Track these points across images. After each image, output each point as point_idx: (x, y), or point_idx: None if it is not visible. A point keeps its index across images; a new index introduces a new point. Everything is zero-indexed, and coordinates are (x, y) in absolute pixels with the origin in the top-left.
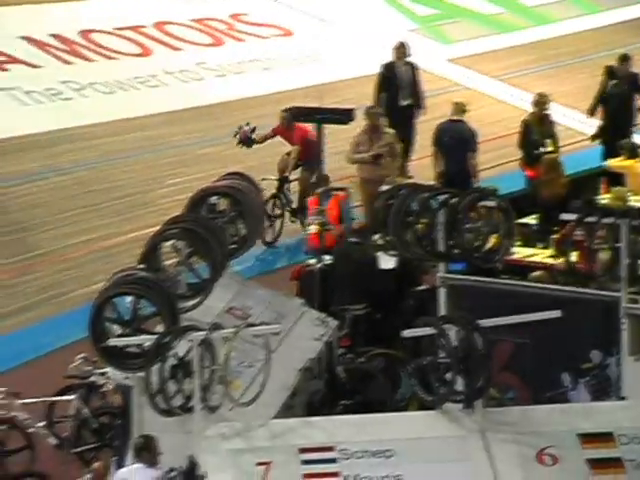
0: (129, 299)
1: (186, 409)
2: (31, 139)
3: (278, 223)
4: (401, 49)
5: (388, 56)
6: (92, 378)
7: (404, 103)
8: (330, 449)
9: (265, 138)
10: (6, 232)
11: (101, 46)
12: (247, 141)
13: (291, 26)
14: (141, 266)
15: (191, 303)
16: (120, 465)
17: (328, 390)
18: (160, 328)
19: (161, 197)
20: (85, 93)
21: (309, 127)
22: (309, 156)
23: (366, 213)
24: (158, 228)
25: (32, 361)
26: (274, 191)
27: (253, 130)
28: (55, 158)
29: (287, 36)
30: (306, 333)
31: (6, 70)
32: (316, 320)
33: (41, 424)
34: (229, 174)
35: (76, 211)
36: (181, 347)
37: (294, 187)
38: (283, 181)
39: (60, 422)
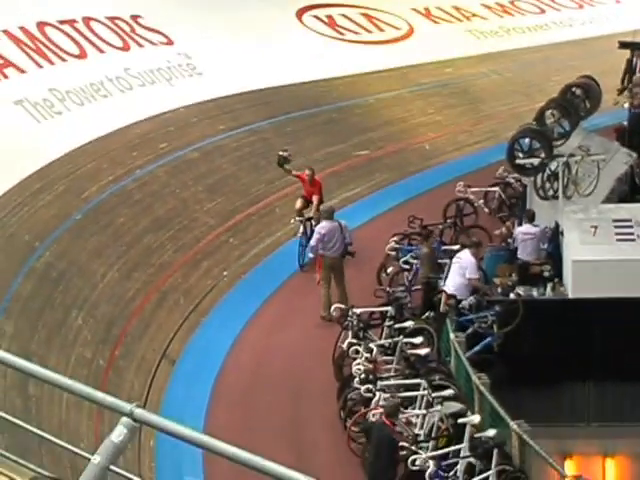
0: (527, 140)
1: (555, 197)
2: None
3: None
4: None
5: None
6: (507, 179)
7: None
8: (629, 220)
9: (290, 172)
10: (467, 103)
11: None
12: (282, 162)
13: None
14: (533, 122)
15: (559, 143)
16: (519, 225)
17: (629, 190)
18: (542, 155)
19: (549, 87)
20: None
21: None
22: (321, 200)
23: None
24: (542, 104)
25: (479, 170)
26: (301, 229)
27: (286, 158)
28: (500, 64)
29: None
30: (619, 159)
31: None
32: (625, 153)
33: (481, 201)
34: (582, 76)
35: (511, 96)
36: (553, 165)
37: None
38: (307, 220)
39: (490, 199)
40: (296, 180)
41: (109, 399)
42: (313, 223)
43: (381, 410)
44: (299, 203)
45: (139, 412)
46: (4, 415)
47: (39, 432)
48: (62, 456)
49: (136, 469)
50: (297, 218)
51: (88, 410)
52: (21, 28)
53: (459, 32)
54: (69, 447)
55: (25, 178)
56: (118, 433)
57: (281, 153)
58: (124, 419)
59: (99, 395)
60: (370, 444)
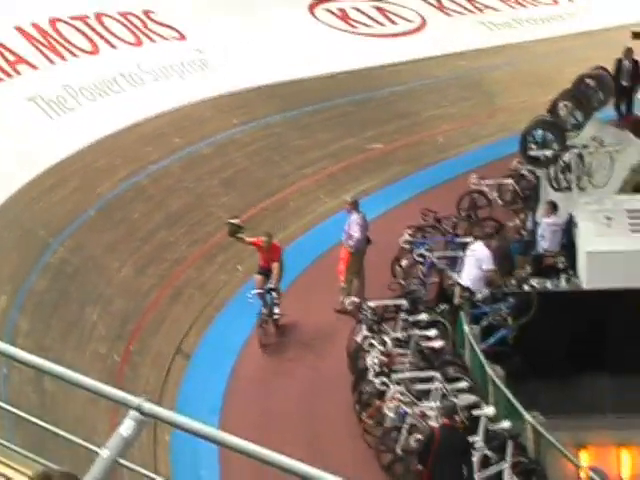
0: (540, 131)
1: (568, 188)
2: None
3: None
4: None
5: None
6: (520, 171)
7: None
8: None
9: (243, 240)
10: (480, 96)
11: None
12: (234, 231)
13: None
14: (546, 114)
15: (573, 134)
16: (533, 217)
17: None
18: (556, 147)
19: (563, 79)
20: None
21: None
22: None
23: None
24: (556, 96)
25: (493, 162)
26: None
27: (238, 226)
28: (514, 56)
29: None
30: (633, 150)
31: None
32: (638, 143)
33: (495, 193)
34: (595, 67)
35: (524, 88)
36: (567, 156)
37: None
38: (268, 291)
39: (504, 191)
40: (312, 172)
41: (117, 393)
42: (274, 295)
43: (397, 403)
44: (259, 280)
45: (147, 406)
46: (16, 411)
47: (47, 426)
48: (80, 451)
49: (152, 464)
50: (255, 291)
51: (105, 405)
52: (33, 24)
53: (472, 24)
54: (78, 441)
55: (39, 174)
56: (126, 427)
57: (232, 221)
58: (132, 412)
59: (107, 389)
60: (438, 449)
